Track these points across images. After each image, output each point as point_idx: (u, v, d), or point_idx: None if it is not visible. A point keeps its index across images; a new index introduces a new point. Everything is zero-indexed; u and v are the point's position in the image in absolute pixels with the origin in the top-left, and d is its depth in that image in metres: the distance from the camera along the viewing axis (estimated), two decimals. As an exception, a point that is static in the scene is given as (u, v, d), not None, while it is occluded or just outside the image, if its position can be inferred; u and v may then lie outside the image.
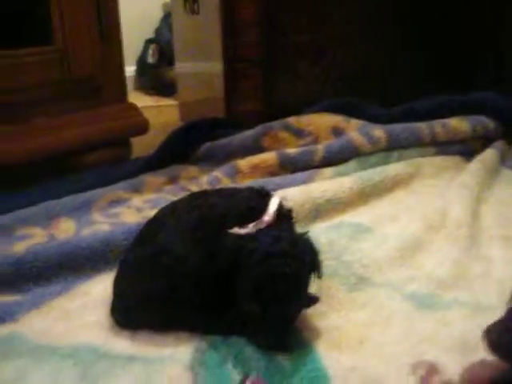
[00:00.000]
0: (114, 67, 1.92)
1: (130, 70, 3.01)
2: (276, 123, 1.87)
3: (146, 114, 2.06)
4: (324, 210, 1.46)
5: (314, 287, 1.03)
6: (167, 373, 0.93)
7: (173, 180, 1.75)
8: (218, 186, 1.59)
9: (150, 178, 1.74)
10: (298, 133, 1.86)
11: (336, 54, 2.24)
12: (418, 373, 0.90)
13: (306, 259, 0.98)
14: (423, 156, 1.75)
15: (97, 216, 1.52)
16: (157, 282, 1.02)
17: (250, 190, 1.13)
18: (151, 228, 1.10)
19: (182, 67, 2.58)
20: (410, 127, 1.77)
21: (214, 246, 1.00)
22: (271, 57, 2.14)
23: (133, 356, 0.97)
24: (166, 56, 3.24)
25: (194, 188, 1.63)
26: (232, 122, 2.03)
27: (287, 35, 2.15)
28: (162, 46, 3.31)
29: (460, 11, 2.32)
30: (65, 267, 1.24)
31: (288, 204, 1.15)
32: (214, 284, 0.99)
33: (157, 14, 3.44)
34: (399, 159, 1.71)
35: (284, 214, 1.08)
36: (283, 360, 0.94)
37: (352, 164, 1.69)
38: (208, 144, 1.87)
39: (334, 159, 1.71)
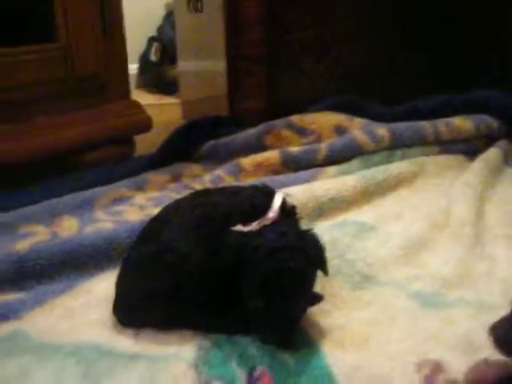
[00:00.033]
0: (117, 64, 1.92)
1: (132, 67, 2.99)
2: (279, 121, 1.87)
3: (149, 112, 2.06)
4: (327, 208, 1.45)
5: (317, 286, 1.03)
6: (171, 371, 0.92)
7: (176, 178, 1.75)
8: (220, 185, 1.58)
9: (153, 176, 1.74)
10: (301, 131, 1.85)
11: (340, 52, 2.24)
12: (423, 371, 0.90)
13: (311, 254, 0.97)
14: (427, 155, 1.74)
15: (99, 214, 1.52)
16: (160, 280, 1.01)
17: (254, 187, 1.13)
18: (154, 226, 1.10)
19: (185, 65, 2.58)
20: (413, 126, 1.77)
21: (217, 244, 1.00)
22: (275, 55, 2.13)
23: (136, 354, 0.97)
24: (169, 54, 3.24)
25: (197, 186, 1.63)
26: (235, 120, 2.02)
27: (291, 33, 2.14)
28: (164, 44, 3.31)
29: (462, 11, 2.32)
30: (68, 265, 1.23)
31: (292, 201, 1.14)
32: (218, 282, 0.99)
33: (159, 12, 3.44)
34: (403, 158, 1.71)
35: (288, 211, 1.08)
36: (288, 358, 0.94)
37: (355, 163, 1.68)
38: (211, 142, 1.86)
39: (337, 158, 1.70)
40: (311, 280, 0.98)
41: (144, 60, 3.39)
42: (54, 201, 1.54)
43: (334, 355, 0.94)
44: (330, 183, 1.53)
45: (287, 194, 1.14)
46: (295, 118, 1.88)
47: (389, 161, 1.69)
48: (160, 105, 2.94)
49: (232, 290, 0.98)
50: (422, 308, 1.08)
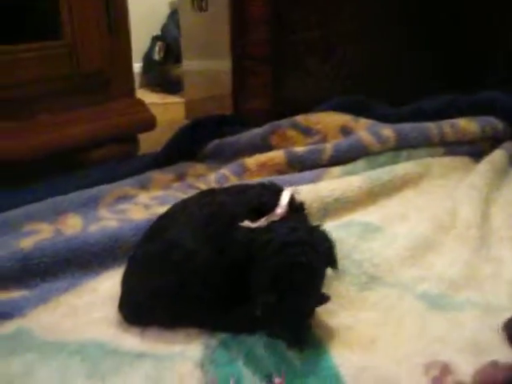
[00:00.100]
0: (122, 61, 1.92)
1: (136, 66, 2.99)
2: (284, 121, 1.86)
3: (152, 111, 2.05)
4: (333, 208, 1.45)
5: (324, 286, 1.02)
6: (177, 370, 0.92)
7: (180, 177, 1.74)
8: (225, 184, 1.58)
9: (158, 175, 1.73)
10: (307, 131, 1.85)
11: (346, 52, 2.23)
12: (431, 373, 0.90)
13: (321, 250, 0.97)
14: (432, 156, 1.74)
15: (104, 212, 1.51)
16: (165, 278, 1.01)
17: (262, 185, 1.13)
18: (161, 224, 1.10)
19: (189, 64, 2.58)
20: (419, 127, 1.76)
21: (225, 241, 1.00)
22: (280, 54, 2.13)
23: (142, 353, 0.97)
24: (172, 53, 3.24)
25: (202, 185, 1.63)
26: (239, 120, 2.02)
27: (296, 33, 2.13)
28: (168, 43, 3.31)
29: (469, 11, 2.31)
30: (72, 263, 1.23)
31: (299, 197, 1.14)
32: (225, 280, 0.99)
33: (163, 11, 3.43)
34: (408, 159, 1.70)
35: (297, 207, 1.08)
36: (294, 358, 0.93)
37: (361, 163, 1.68)
38: (216, 141, 1.86)
39: (342, 158, 1.70)
40: (321, 275, 0.98)
41: (147, 59, 3.39)
42: (58, 199, 1.54)
43: (341, 356, 0.94)
44: (335, 183, 1.52)
45: (295, 191, 1.13)
46: (300, 118, 1.87)
47: (394, 162, 1.69)
48: (164, 104, 2.94)
49: (239, 287, 0.97)
50: (428, 309, 1.07)
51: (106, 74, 1.87)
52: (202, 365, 0.93)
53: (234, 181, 1.65)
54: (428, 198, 1.55)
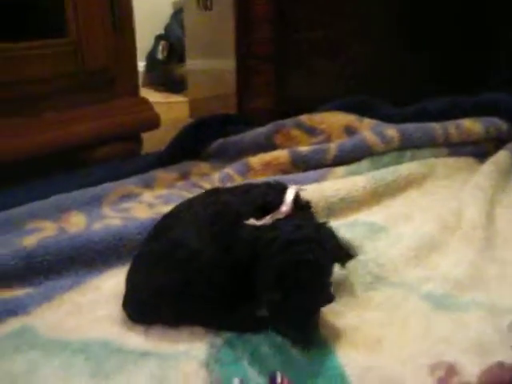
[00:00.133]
0: (127, 59, 1.92)
1: (139, 65, 2.99)
2: (288, 121, 1.86)
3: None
4: (337, 208, 1.45)
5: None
6: (182, 369, 0.92)
7: (184, 176, 1.74)
8: (229, 184, 1.57)
9: (162, 174, 1.73)
10: (311, 131, 1.84)
11: (350, 51, 2.23)
12: (437, 374, 0.89)
13: (328, 247, 0.96)
14: (436, 156, 1.73)
15: (107, 210, 1.51)
16: (170, 277, 1.00)
17: (266, 184, 1.12)
18: (167, 223, 1.09)
19: (193, 64, 2.58)
20: (423, 127, 1.76)
21: (230, 239, 0.99)
22: (283, 53, 2.13)
23: (146, 352, 0.96)
24: (176, 53, 3.24)
25: (206, 185, 1.62)
26: (243, 119, 2.02)
27: (300, 31, 2.13)
28: (171, 42, 3.31)
29: (472, 10, 2.31)
30: (76, 261, 1.22)
31: (305, 195, 1.13)
32: (230, 278, 0.98)
33: (167, 11, 3.44)
34: (412, 159, 1.70)
35: (302, 205, 1.07)
36: (300, 358, 0.93)
37: (365, 163, 1.67)
38: (220, 140, 1.85)
39: (346, 158, 1.69)
40: (328, 273, 0.97)
41: (151, 58, 3.40)
42: (62, 197, 1.53)
43: (346, 356, 0.93)
44: (339, 183, 1.52)
45: (301, 188, 1.12)
46: (304, 118, 1.87)
47: (398, 162, 1.68)
48: (167, 103, 2.94)
49: (244, 286, 0.97)
50: (433, 310, 1.07)
51: (111, 72, 1.87)
52: (206, 364, 0.92)
53: (238, 180, 1.64)
54: (432, 198, 1.55)
